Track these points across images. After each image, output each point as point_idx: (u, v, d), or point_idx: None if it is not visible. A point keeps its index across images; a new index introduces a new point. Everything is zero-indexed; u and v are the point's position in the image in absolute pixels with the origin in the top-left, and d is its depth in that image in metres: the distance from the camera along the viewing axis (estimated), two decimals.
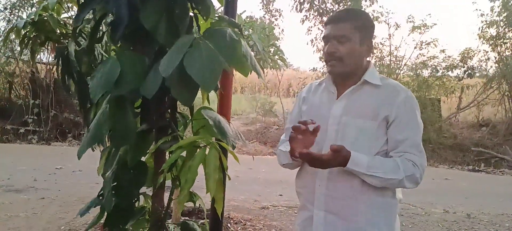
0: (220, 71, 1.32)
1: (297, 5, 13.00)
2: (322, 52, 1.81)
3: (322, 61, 13.64)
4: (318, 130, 1.46)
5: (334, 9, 12.65)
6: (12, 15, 11.36)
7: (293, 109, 1.84)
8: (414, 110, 1.56)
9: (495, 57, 12.88)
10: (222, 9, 2.48)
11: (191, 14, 1.69)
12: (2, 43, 9.19)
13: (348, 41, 1.56)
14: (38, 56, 9.75)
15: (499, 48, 12.64)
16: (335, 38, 1.57)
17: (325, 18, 12.81)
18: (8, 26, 11.05)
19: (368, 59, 1.65)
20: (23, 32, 2.51)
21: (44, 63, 11.44)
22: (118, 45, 1.78)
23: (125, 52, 1.61)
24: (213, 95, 2.00)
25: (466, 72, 12.85)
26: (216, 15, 1.84)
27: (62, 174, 6.79)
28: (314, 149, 1.58)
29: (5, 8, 11.62)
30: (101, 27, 1.98)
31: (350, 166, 1.47)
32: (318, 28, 13.40)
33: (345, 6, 12.47)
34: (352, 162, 1.46)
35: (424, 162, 1.53)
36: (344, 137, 1.54)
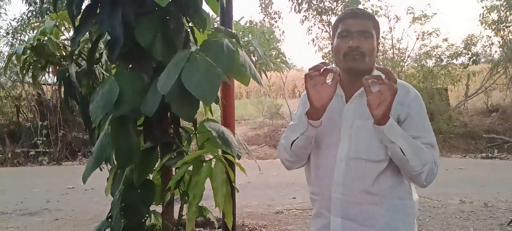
0: (219, 84, 1.30)
1: (295, 6, 13.01)
2: (331, 49, 1.74)
3: (326, 60, 13.62)
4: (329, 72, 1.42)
5: (333, 7, 12.63)
6: (14, 40, 11.51)
7: (298, 109, 1.78)
8: (424, 109, 1.54)
9: (499, 42, 12.76)
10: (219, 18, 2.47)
11: (189, 25, 1.68)
12: (4, 69, 9.28)
13: (371, 38, 1.53)
14: (43, 78, 9.84)
15: (502, 33, 12.52)
16: (360, 33, 1.52)
17: (324, 17, 12.81)
18: (11, 51, 11.19)
19: None
20: (24, 58, 2.52)
21: (49, 84, 11.54)
22: (117, 64, 1.77)
23: (123, 72, 1.59)
24: (216, 105, 1.98)
25: (471, 59, 12.72)
26: (213, 24, 1.83)
27: (75, 193, 6.80)
28: (328, 154, 1.55)
29: (7, 33, 11.78)
30: (99, 48, 1.97)
31: (389, 124, 1.40)
32: (318, 27, 13.39)
33: (343, 3, 12.46)
34: (391, 122, 1.40)
35: (438, 160, 1.50)
36: (358, 140, 1.49)
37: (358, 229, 1.53)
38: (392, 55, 13.18)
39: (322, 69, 1.42)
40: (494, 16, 12.47)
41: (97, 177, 1.53)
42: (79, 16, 1.63)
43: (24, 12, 11.71)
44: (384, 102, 1.36)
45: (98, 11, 1.62)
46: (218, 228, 2.36)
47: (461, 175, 7.84)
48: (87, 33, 1.76)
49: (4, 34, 11.94)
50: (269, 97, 16.54)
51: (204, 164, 1.56)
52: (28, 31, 11.37)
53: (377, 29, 1.58)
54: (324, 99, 1.43)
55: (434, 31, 12.53)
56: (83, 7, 1.64)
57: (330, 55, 13.27)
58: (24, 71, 2.59)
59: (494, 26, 12.43)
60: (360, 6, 11.98)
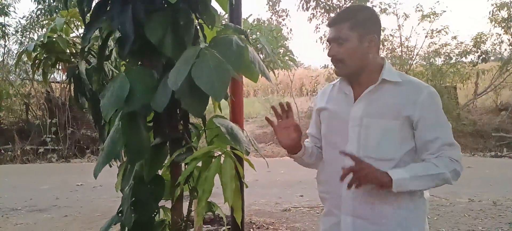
0: (229, 80, 1.30)
1: (303, 4, 12.97)
2: None
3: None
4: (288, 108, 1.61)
5: (341, 5, 12.58)
6: (24, 38, 11.61)
7: (312, 117, 1.81)
8: (439, 106, 1.51)
9: (509, 40, 12.62)
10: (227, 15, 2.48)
11: (198, 22, 1.69)
12: (14, 66, 9.36)
13: (346, 42, 1.50)
14: (52, 76, 9.92)
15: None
16: (334, 40, 1.52)
17: (332, 15, 12.76)
18: (20, 49, 11.29)
19: (380, 55, 1.59)
20: (34, 55, 2.54)
21: (58, 82, 11.64)
22: (127, 61, 1.78)
23: (133, 68, 1.61)
24: (225, 102, 1.99)
25: (480, 57, 12.61)
26: (221, 22, 1.84)
27: (83, 191, 6.87)
28: (335, 154, 1.55)
29: (17, 31, 11.89)
30: (109, 44, 1.99)
31: (395, 186, 1.41)
32: (326, 25, 13.33)
33: (351, 1, 12.41)
34: (396, 180, 1.41)
35: (460, 153, 1.51)
36: (367, 139, 1.49)
37: (369, 227, 1.53)
38: (400, 53, 13.10)
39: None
40: (504, 13, 12.33)
41: (105, 174, 1.54)
42: (90, 13, 1.65)
43: (33, 10, 11.79)
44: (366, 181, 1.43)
45: (108, 8, 1.63)
46: (227, 225, 2.36)
47: (470, 173, 7.76)
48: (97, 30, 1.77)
49: (14, 32, 12.05)
50: (277, 94, 16.52)
51: (213, 160, 1.56)
52: (37, 29, 11.45)
53: (360, 26, 1.50)
54: (290, 143, 1.61)
55: (443, 29, 12.43)
56: (94, 4, 1.66)
57: None
58: (35, 69, 2.61)
59: (504, 24, 12.30)
60: (368, 4, 11.92)
